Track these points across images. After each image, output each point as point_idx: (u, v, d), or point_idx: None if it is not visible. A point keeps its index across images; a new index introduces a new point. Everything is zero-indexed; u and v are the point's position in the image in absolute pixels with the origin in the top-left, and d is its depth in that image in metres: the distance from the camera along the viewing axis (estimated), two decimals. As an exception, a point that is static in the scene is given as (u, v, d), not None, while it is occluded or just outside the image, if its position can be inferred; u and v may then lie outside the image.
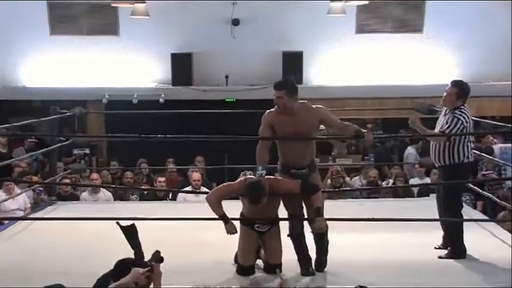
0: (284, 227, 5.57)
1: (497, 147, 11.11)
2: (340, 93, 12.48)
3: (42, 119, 8.78)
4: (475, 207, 8.70)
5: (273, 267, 5.50)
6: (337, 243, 6.29)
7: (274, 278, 5.42)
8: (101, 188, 9.61)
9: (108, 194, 9.63)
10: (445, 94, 5.99)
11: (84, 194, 9.62)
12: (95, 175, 10.28)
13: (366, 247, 6.18)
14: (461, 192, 6.46)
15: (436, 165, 6.10)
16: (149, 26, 12.43)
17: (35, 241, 6.59)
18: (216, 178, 10.49)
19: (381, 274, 5.43)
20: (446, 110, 6.01)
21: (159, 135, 6.77)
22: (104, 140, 12.92)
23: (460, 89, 5.98)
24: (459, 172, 5.93)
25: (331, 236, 6.42)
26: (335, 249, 6.12)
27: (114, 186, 10.12)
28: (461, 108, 5.91)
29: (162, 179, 10.16)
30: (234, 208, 5.67)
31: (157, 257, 4.55)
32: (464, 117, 5.86)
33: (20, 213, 8.73)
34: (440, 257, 5.92)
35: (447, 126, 5.83)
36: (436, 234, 6.66)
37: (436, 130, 6.01)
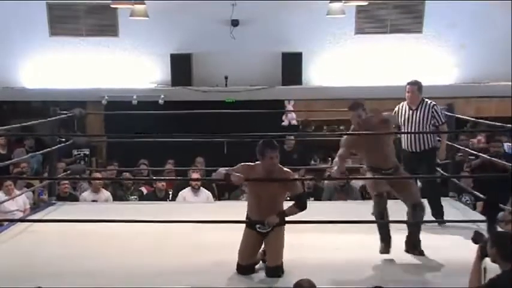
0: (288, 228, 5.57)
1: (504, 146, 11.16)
2: (339, 94, 12.47)
3: (42, 120, 8.78)
4: (474, 208, 8.70)
5: (273, 269, 5.51)
6: (335, 244, 6.32)
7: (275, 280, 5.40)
8: (101, 188, 9.61)
9: (108, 194, 9.63)
10: (409, 94, 7.23)
11: (84, 194, 9.63)
12: (97, 175, 10.27)
13: (365, 247, 6.18)
14: None
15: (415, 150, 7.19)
16: (148, 26, 12.44)
17: (34, 242, 6.59)
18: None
19: (380, 275, 5.44)
20: (411, 106, 7.19)
21: (158, 134, 6.74)
22: (104, 141, 12.91)
23: (418, 86, 7.25)
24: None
25: (328, 236, 6.46)
26: (334, 250, 6.15)
27: (116, 178, 10.04)
28: (429, 102, 7.20)
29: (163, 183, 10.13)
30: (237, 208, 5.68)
31: None
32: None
33: (20, 214, 8.74)
34: None
35: (443, 119, 7.25)
36: (435, 235, 6.70)
37: (415, 125, 7.16)
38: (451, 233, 6.69)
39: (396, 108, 7.34)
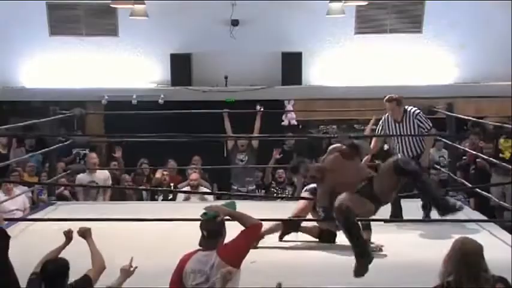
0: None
1: None
2: (339, 93, 12.48)
3: (42, 119, 8.79)
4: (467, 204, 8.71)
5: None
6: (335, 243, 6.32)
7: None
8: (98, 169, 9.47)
9: (106, 174, 9.53)
10: (390, 112, 7.39)
11: (80, 176, 9.41)
12: (93, 154, 10.06)
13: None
14: None
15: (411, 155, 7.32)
16: (148, 26, 12.44)
17: (34, 241, 6.58)
18: (215, 178, 10.51)
19: (379, 274, 5.43)
20: (396, 119, 7.38)
21: (156, 134, 6.72)
22: (104, 141, 12.90)
23: (397, 101, 7.38)
24: None
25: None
26: (334, 250, 6.14)
27: (114, 186, 10.05)
28: (412, 111, 7.37)
29: (165, 172, 10.06)
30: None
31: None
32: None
33: (20, 214, 8.73)
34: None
35: (429, 126, 7.37)
36: (434, 234, 6.71)
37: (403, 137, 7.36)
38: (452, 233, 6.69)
39: (381, 121, 7.50)
